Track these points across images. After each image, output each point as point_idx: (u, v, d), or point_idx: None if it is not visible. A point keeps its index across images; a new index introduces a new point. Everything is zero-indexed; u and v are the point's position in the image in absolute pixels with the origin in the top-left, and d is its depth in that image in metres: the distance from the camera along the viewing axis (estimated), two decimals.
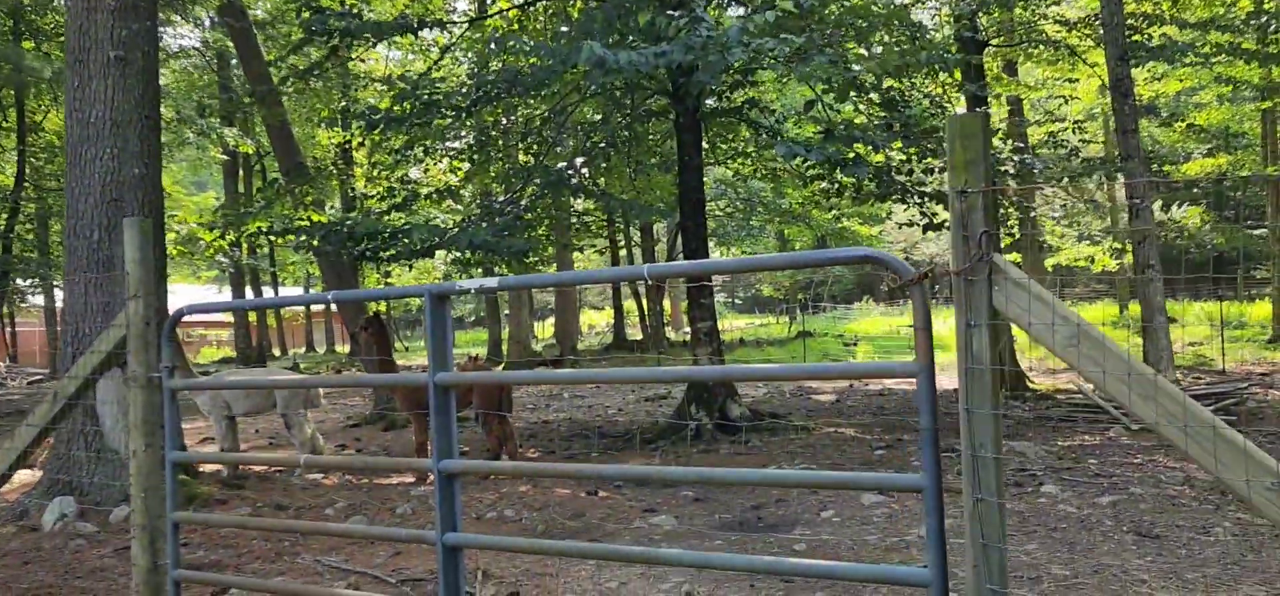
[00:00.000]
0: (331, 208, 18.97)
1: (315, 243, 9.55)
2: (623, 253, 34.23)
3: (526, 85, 7.75)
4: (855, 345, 24.12)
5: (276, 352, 41.39)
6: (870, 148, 8.25)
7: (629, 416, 13.90)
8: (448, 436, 3.52)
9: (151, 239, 4.43)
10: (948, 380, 17.42)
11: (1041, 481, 7.52)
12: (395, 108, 8.57)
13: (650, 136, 11.69)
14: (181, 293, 49.21)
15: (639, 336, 34.28)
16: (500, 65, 10.13)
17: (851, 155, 7.83)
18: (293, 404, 8.88)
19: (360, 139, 11.79)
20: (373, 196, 14.52)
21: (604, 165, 10.69)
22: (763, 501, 7.22)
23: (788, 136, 11.85)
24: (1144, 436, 9.18)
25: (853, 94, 9.06)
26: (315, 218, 12.05)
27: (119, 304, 7.09)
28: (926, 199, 10.76)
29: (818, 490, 7.45)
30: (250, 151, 18.13)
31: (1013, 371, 15.09)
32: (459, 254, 9.58)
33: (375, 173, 16.95)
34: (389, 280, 39.43)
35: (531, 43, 6.86)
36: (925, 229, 11.04)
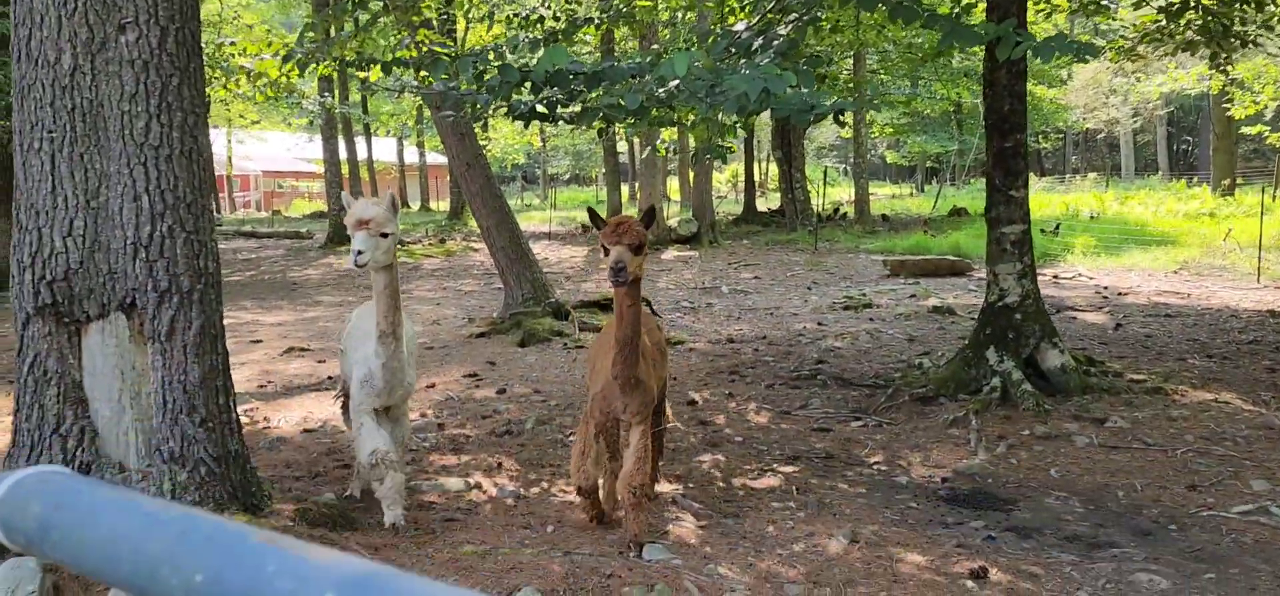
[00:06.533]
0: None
1: (471, 87, 5.72)
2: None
3: None
4: (1056, 233, 19.72)
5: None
6: None
7: (851, 343, 10.28)
8: None
9: None
10: None
11: None
12: None
13: None
14: (273, 140, 46.66)
15: (770, 207, 30.48)
16: None
17: None
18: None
19: None
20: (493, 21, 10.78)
21: None
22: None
23: None
24: None
25: None
26: (432, 41, 8.46)
27: (113, 191, 3.81)
28: None
29: None
30: None
31: None
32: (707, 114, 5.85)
33: None
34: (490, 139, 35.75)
35: None
36: None
